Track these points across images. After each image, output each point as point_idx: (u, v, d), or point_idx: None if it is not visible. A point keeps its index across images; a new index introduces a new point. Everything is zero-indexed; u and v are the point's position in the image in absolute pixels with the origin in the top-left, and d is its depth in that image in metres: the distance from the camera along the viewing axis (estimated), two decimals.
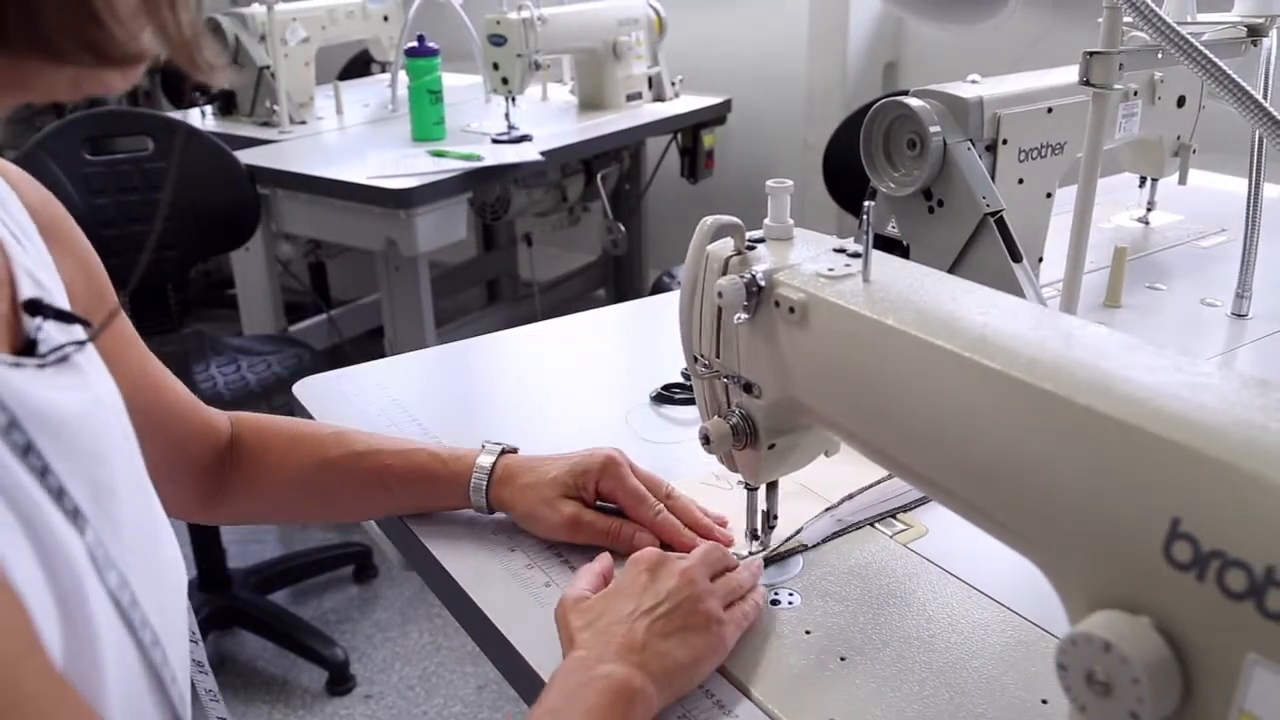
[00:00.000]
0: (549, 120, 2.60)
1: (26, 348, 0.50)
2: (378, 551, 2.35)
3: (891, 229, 1.00)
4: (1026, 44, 2.32)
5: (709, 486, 0.88)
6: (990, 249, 0.95)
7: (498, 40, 2.34)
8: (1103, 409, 0.45)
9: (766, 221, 0.69)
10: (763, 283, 0.64)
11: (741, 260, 0.67)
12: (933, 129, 0.93)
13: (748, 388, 0.69)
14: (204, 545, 2.11)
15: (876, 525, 0.83)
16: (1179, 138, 1.31)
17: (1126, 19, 0.85)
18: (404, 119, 2.49)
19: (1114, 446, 0.44)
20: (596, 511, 0.79)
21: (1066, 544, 0.47)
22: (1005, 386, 0.49)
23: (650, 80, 2.74)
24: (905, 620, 0.72)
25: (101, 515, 0.49)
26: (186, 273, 2.18)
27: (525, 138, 2.37)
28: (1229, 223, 1.51)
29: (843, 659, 0.68)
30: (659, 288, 2.60)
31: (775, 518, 0.78)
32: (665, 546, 0.77)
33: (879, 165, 0.99)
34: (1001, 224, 0.94)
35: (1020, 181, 1.01)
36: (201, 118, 2.70)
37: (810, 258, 0.65)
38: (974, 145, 0.95)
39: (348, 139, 2.54)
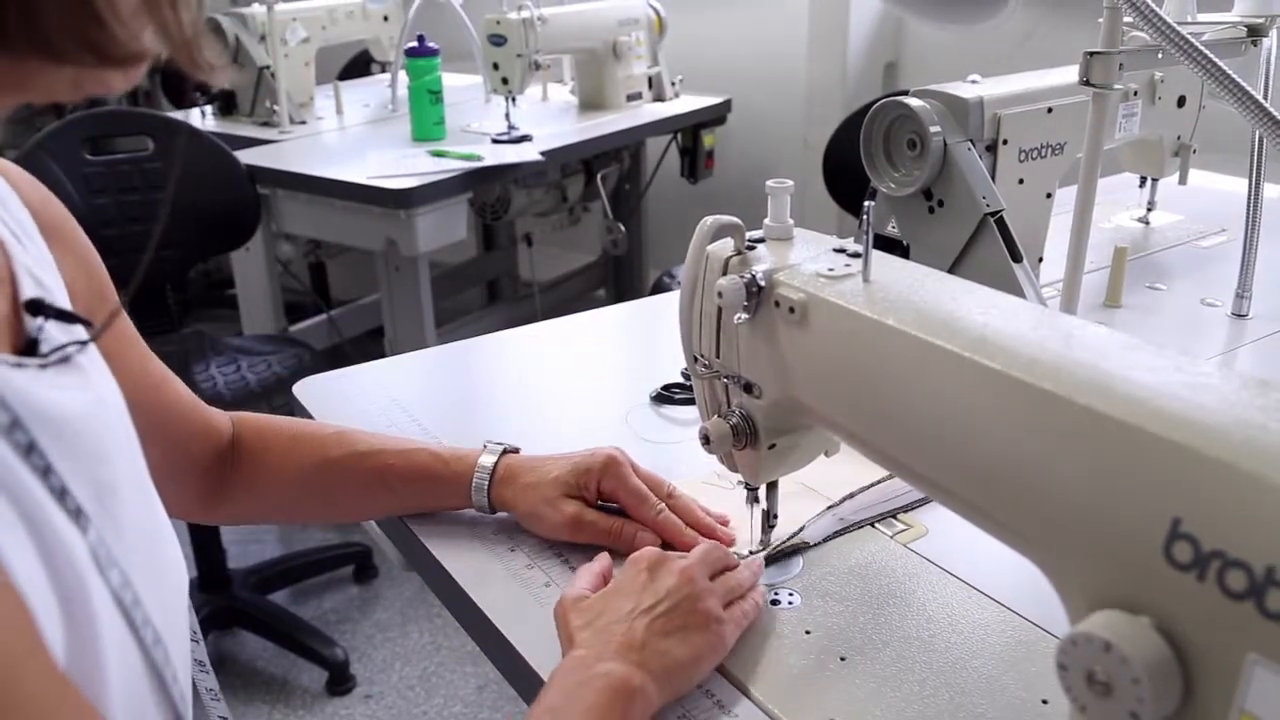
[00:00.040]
0: (549, 120, 2.60)
1: (28, 347, 0.50)
2: (378, 551, 2.35)
3: (891, 229, 1.01)
4: (1027, 44, 2.32)
5: (711, 486, 0.88)
6: (990, 249, 0.95)
7: (498, 40, 2.34)
8: (1103, 409, 0.45)
9: (766, 221, 0.69)
10: (763, 283, 0.64)
11: (741, 260, 0.67)
12: (933, 129, 0.93)
13: (748, 388, 0.69)
14: (204, 545, 2.11)
15: (877, 525, 0.83)
16: (1179, 138, 1.31)
17: (1127, 19, 0.85)
18: (404, 119, 2.49)
19: (1114, 446, 0.44)
20: (598, 511, 0.79)
21: (1066, 544, 0.47)
22: (1005, 386, 0.49)
23: (650, 80, 2.74)
24: (905, 620, 0.72)
25: (104, 515, 0.49)
26: (186, 273, 2.19)
27: (525, 138, 2.37)
28: (1229, 223, 1.51)
29: (843, 659, 0.68)
30: (659, 288, 2.60)
31: (775, 517, 0.78)
32: (667, 546, 0.77)
33: (879, 165, 0.99)
34: (1001, 224, 0.94)
35: (1020, 181, 1.01)
36: (201, 118, 2.70)
37: (810, 258, 0.65)
38: (974, 145, 0.95)
39: (348, 139, 2.54)
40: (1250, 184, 1.14)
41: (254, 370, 2.04)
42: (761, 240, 0.69)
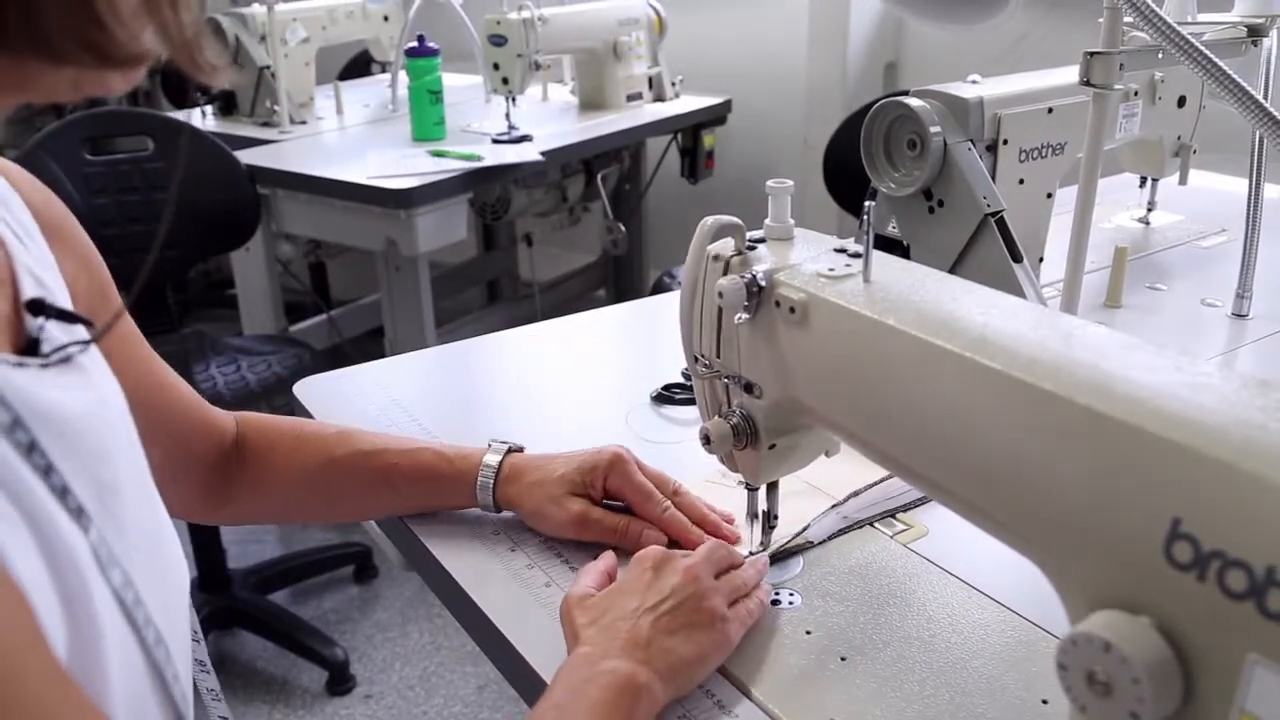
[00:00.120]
0: (549, 120, 2.60)
1: (29, 347, 0.50)
2: (378, 551, 2.36)
3: (892, 229, 1.01)
4: (1027, 44, 2.32)
5: (714, 485, 0.88)
6: (991, 249, 0.95)
7: (498, 40, 2.34)
8: (1103, 409, 0.45)
9: (767, 221, 0.69)
10: (763, 283, 0.64)
11: (742, 260, 0.67)
12: (933, 129, 0.93)
13: (748, 388, 0.69)
14: (204, 545, 2.11)
15: (877, 525, 0.83)
16: (1179, 138, 1.31)
17: (1127, 19, 0.85)
18: (404, 119, 2.49)
19: (1114, 446, 0.44)
20: (604, 509, 0.79)
21: (1066, 544, 0.47)
22: (1005, 386, 0.49)
23: (650, 80, 2.74)
24: (905, 620, 0.72)
25: (105, 514, 0.49)
26: (186, 273, 2.19)
27: (525, 138, 2.37)
28: (1229, 223, 1.51)
29: (843, 659, 0.68)
30: (659, 288, 2.60)
31: (776, 518, 0.78)
32: (673, 544, 0.77)
33: (879, 165, 0.99)
34: (1002, 224, 0.94)
35: (1021, 182, 1.01)
36: (202, 118, 2.70)
37: (811, 258, 0.66)
38: (974, 145, 0.95)
39: (348, 139, 2.54)
40: (1250, 184, 1.14)
41: (254, 370, 2.04)
42: (762, 240, 0.69)
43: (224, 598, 2.12)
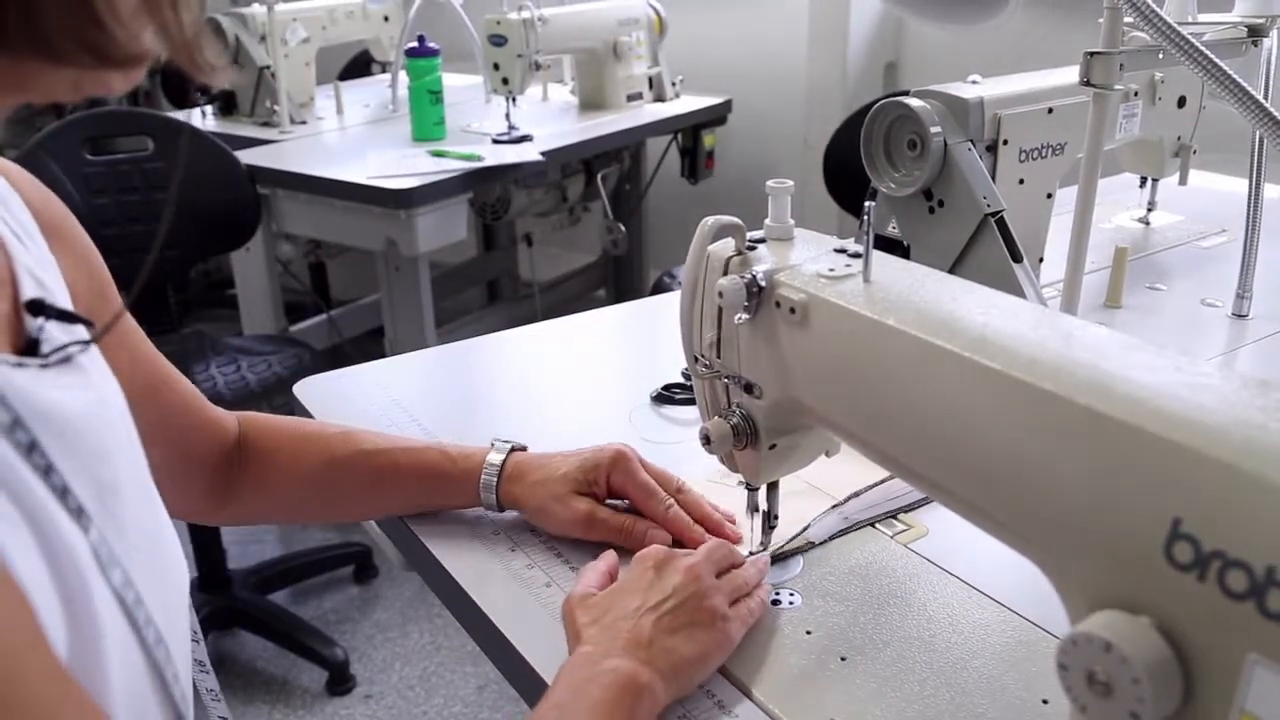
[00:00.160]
0: (549, 120, 2.60)
1: (29, 347, 0.50)
2: (378, 551, 2.36)
3: (892, 229, 1.01)
4: (1027, 44, 2.32)
5: (714, 485, 0.88)
6: (991, 249, 0.95)
7: (498, 40, 2.34)
8: (1103, 409, 0.45)
9: (767, 222, 0.69)
10: (763, 283, 0.64)
11: (742, 260, 0.67)
12: (933, 129, 0.93)
13: (748, 388, 0.70)
14: (204, 545, 2.11)
15: (877, 525, 0.83)
16: (1179, 138, 1.31)
17: (1127, 19, 0.85)
18: (404, 119, 2.49)
19: (1114, 446, 0.44)
20: (609, 509, 0.80)
21: (1067, 544, 0.47)
22: (1005, 386, 0.49)
23: (650, 80, 2.74)
24: (906, 620, 0.72)
25: (105, 514, 0.49)
26: (186, 273, 2.19)
27: (525, 138, 2.37)
28: (1229, 223, 1.51)
29: (843, 659, 0.68)
30: (659, 288, 2.60)
31: (776, 518, 0.78)
32: (676, 544, 0.77)
33: (879, 165, 0.99)
34: (1002, 224, 0.94)
35: (1021, 182, 1.01)
36: (202, 118, 2.70)
37: (811, 258, 0.66)
38: (974, 145, 0.95)
39: (348, 139, 2.54)
40: (1250, 184, 1.14)
41: (254, 370, 2.04)
42: (762, 240, 0.69)
43: (224, 598, 2.12)
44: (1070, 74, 0.92)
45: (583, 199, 2.90)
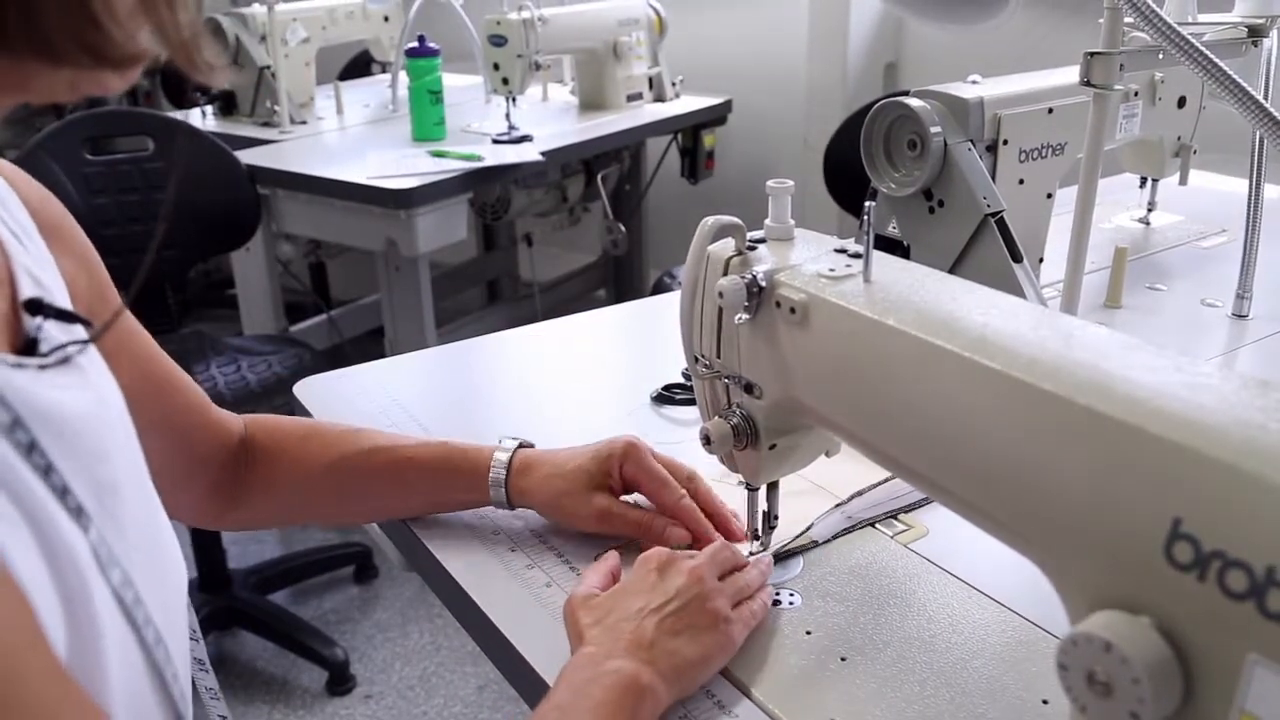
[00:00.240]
0: (549, 120, 2.60)
1: (27, 347, 0.50)
2: (378, 551, 2.36)
3: (892, 229, 1.01)
4: (1027, 44, 2.32)
5: (716, 484, 0.87)
6: (991, 249, 0.95)
7: (498, 40, 2.34)
8: (1103, 409, 0.45)
9: (767, 222, 0.69)
10: (763, 283, 0.64)
11: (742, 261, 0.67)
12: (933, 129, 0.93)
13: (748, 388, 0.69)
14: (204, 545, 2.11)
15: (877, 526, 0.83)
16: (1179, 138, 1.31)
17: (1127, 19, 0.85)
18: (404, 119, 2.49)
19: (1114, 446, 0.44)
20: (626, 504, 0.80)
21: (1067, 544, 0.47)
22: (1005, 386, 0.49)
23: (650, 80, 2.74)
24: (906, 621, 0.72)
25: (105, 514, 0.49)
26: (186, 273, 2.19)
27: (525, 138, 2.37)
28: (1229, 223, 1.51)
29: (843, 659, 0.68)
30: (659, 288, 2.60)
31: (776, 518, 0.78)
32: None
33: (879, 165, 0.99)
34: (1002, 224, 0.94)
35: (1021, 182, 1.01)
36: (202, 118, 2.70)
37: (811, 258, 0.66)
38: (974, 146, 0.95)
39: (348, 139, 2.54)
40: (1250, 184, 1.14)
41: (254, 370, 2.04)
42: (762, 241, 0.69)
43: (224, 598, 2.12)
44: (1070, 74, 0.92)
45: (583, 199, 2.90)
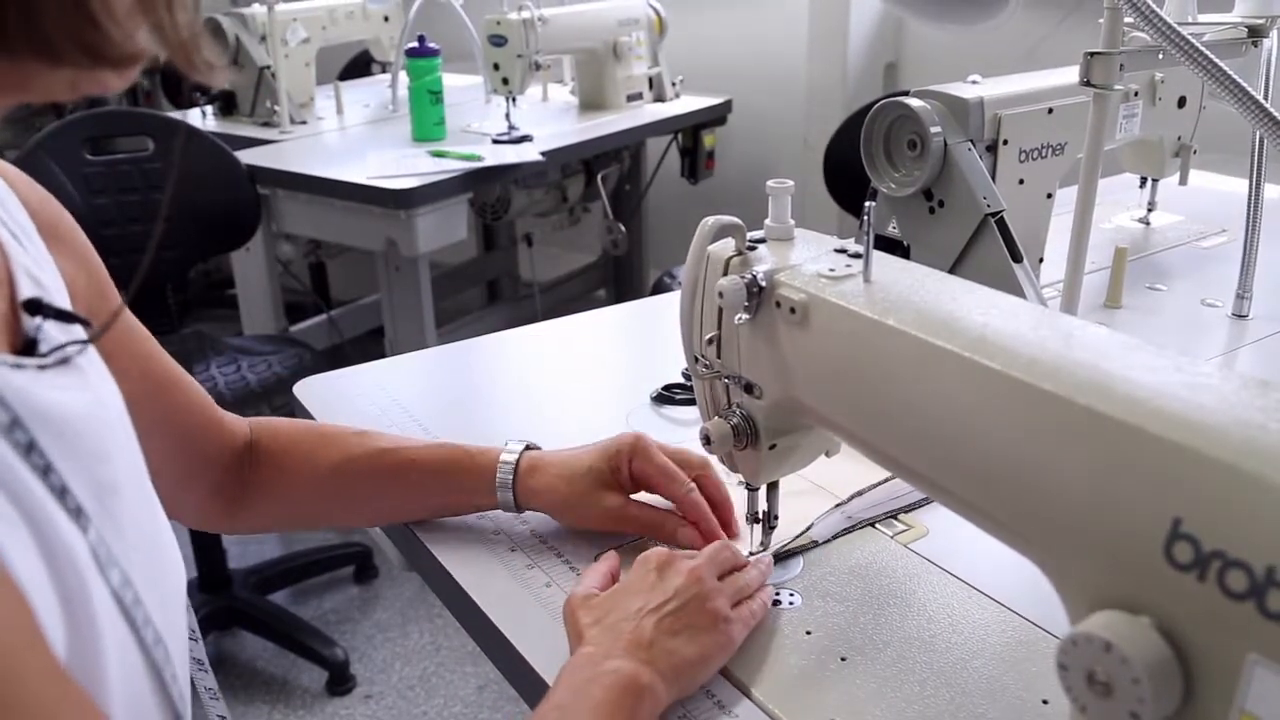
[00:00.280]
0: (549, 120, 2.60)
1: (27, 347, 0.50)
2: (378, 552, 2.36)
3: (892, 229, 1.01)
4: (1026, 44, 2.32)
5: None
6: (991, 249, 0.95)
7: (498, 41, 2.34)
8: (1103, 409, 0.45)
9: (767, 222, 0.69)
10: (764, 283, 0.64)
11: (742, 261, 0.67)
12: (933, 129, 0.93)
13: (748, 388, 0.69)
14: (204, 545, 2.11)
15: (877, 525, 0.83)
16: (1179, 138, 1.31)
17: (1127, 20, 0.85)
18: (404, 119, 2.49)
19: (1114, 446, 0.44)
20: (639, 504, 0.80)
21: (1067, 544, 0.47)
22: (1005, 386, 0.49)
23: (650, 80, 2.74)
24: (906, 621, 0.72)
25: (104, 514, 0.49)
26: (186, 273, 2.19)
27: (525, 138, 2.37)
28: (1229, 223, 1.51)
29: (843, 659, 0.68)
30: (659, 288, 2.60)
31: (776, 518, 0.78)
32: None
33: (879, 165, 0.99)
34: (1002, 224, 0.94)
35: (1021, 182, 1.01)
36: (202, 118, 2.70)
37: (811, 258, 0.65)
38: (974, 146, 0.95)
39: (348, 139, 2.54)
40: (1250, 184, 1.14)
41: (254, 370, 2.04)
42: (762, 240, 0.69)
43: (224, 598, 2.12)
44: (1070, 74, 0.92)
45: (583, 199, 2.90)
